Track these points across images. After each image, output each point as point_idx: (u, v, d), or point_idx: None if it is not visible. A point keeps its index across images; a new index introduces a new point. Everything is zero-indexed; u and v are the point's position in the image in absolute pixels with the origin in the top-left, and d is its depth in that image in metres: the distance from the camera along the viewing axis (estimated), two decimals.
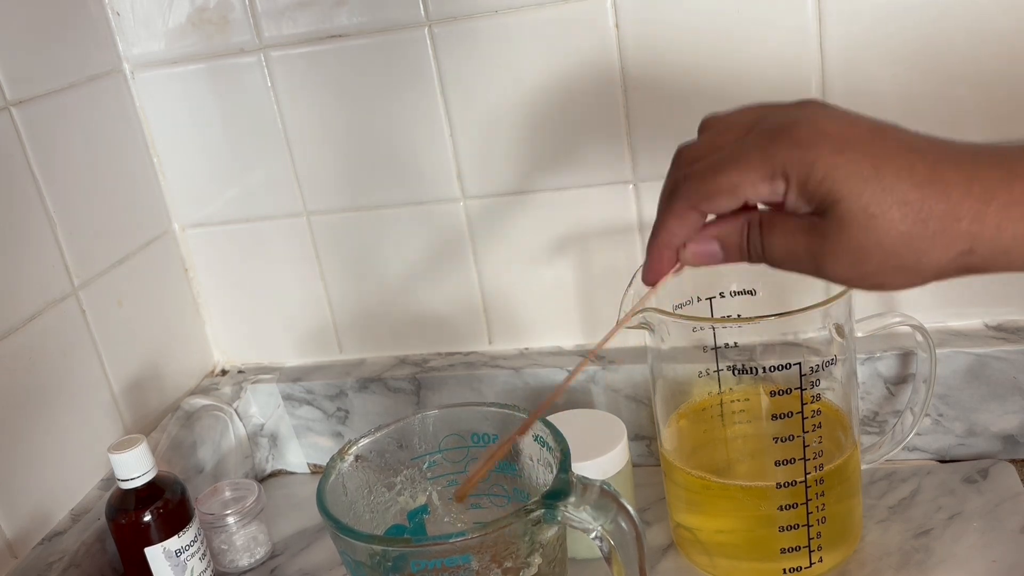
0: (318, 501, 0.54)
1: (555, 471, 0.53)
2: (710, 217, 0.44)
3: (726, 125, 0.44)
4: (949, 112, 0.70)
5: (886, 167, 0.38)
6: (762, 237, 0.42)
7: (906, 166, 0.38)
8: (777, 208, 0.42)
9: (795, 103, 0.42)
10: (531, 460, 0.57)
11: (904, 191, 0.37)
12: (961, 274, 0.39)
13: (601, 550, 0.51)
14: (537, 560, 0.52)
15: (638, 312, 0.48)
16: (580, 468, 0.57)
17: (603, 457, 0.68)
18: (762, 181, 0.40)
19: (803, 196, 0.39)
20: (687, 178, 0.42)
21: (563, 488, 0.51)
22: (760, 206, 0.43)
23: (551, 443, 0.55)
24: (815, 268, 0.40)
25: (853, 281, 0.40)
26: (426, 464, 0.61)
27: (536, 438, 0.56)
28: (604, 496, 0.50)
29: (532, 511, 0.50)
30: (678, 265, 0.44)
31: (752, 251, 0.42)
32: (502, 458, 0.52)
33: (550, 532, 0.52)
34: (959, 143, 0.39)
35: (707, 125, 0.45)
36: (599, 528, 0.50)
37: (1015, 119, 0.69)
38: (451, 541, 0.49)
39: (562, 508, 0.50)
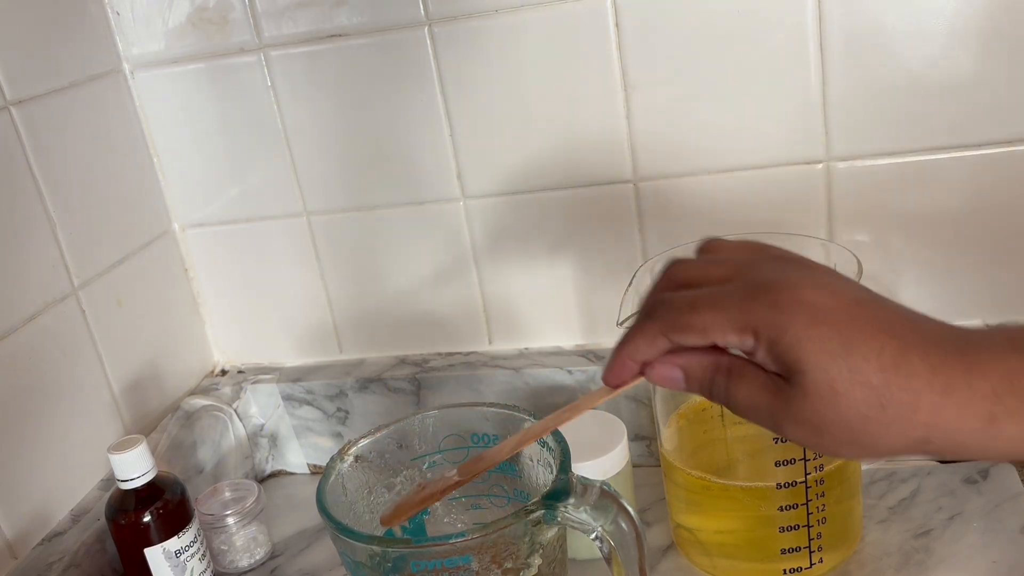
0: (318, 502, 0.54)
1: (555, 472, 0.53)
2: None
3: (722, 257, 0.45)
4: (954, 111, 0.70)
5: (856, 347, 0.38)
6: (728, 383, 0.42)
7: (875, 348, 0.38)
8: (748, 355, 0.42)
9: (792, 258, 0.44)
10: (531, 460, 0.57)
11: (869, 374, 0.38)
12: (917, 455, 0.40)
13: (601, 551, 0.51)
14: (537, 561, 0.52)
15: (588, 408, 0.48)
16: (580, 468, 0.57)
17: (603, 457, 0.68)
18: (732, 331, 0.40)
19: (770, 356, 0.40)
20: (665, 305, 0.43)
21: (563, 489, 0.51)
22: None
23: (551, 443, 0.55)
24: (774, 427, 0.41)
25: (809, 444, 0.41)
26: (426, 464, 0.61)
27: None
28: (604, 497, 0.50)
29: (532, 512, 0.50)
30: (639, 378, 0.45)
31: (715, 392, 0.43)
32: (440, 497, 0.52)
33: (550, 533, 0.52)
34: (934, 324, 0.40)
35: (706, 248, 0.46)
36: (599, 529, 0.50)
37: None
38: (451, 542, 0.49)
39: (562, 509, 0.50)
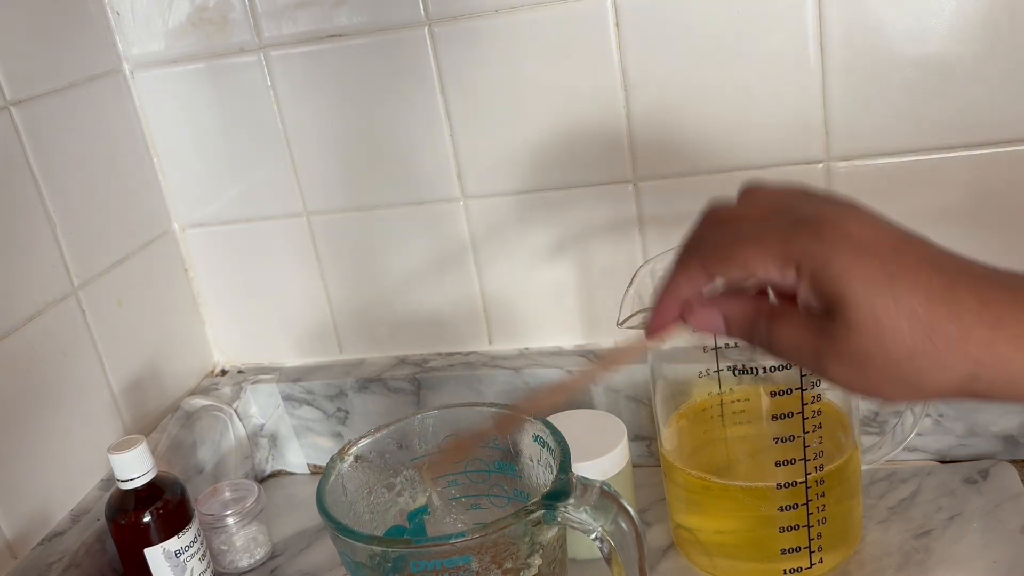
0: (318, 502, 0.54)
1: (555, 472, 0.53)
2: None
3: (761, 199, 0.44)
4: (954, 111, 0.70)
5: (902, 279, 0.38)
6: (769, 326, 0.42)
7: (923, 281, 0.37)
8: (788, 302, 0.42)
9: (833, 198, 0.42)
10: (531, 461, 0.57)
11: (915, 305, 0.37)
12: (963, 397, 0.39)
13: (601, 551, 0.51)
14: (537, 561, 0.52)
15: (626, 361, 0.48)
16: (580, 468, 0.57)
17: (603, 457, 0.68)
18: (774, 263, 0.40)
19: (813, 290, 0.39)
20: (705, 240, 0.43)
21: (563, 489, 0.51)
22: (772, 298, 0.43)
23: (551, 443, 0.55)
24: (817, 367, 0.40)
25: (853, 385, 0.40)
26: (426, 465, 0.61)
27: (536, 438, 0.56)
28: (604, 497, 0.50)
29: (532, 512, 0.50)
30: (680, 323, 0.44)
31: (756, 337, 0.42)
32: (477, 444, 0.51)
33: (550, 533, 0.52)
34: (980, 265, 0.39)
35: (745, 193, 0.45)
36: (599, 529, 0.50)
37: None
38: (451, 542, 0.49)
39: (562, 509, 0.50)
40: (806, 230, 0.40)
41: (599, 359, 0.48)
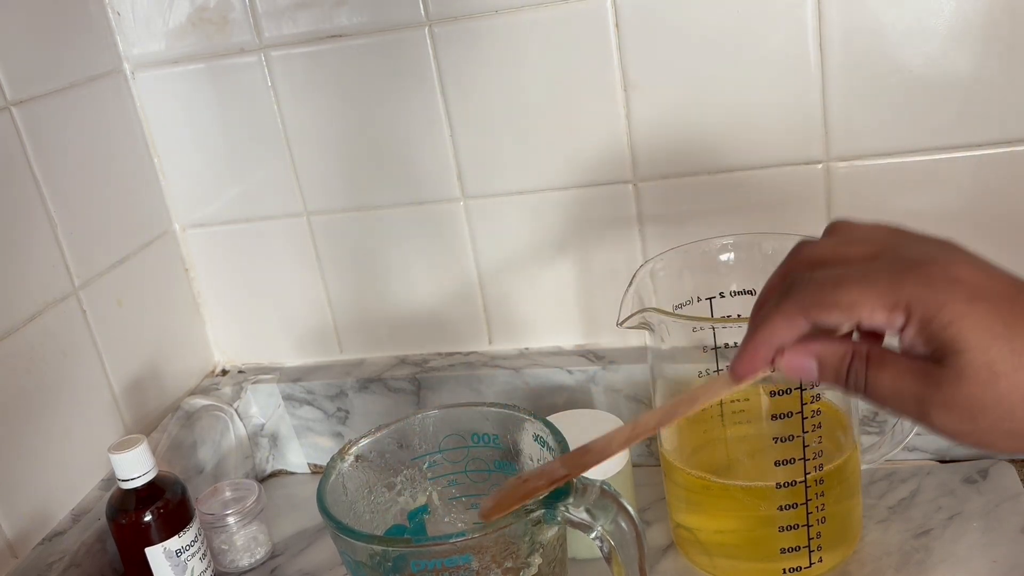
0: (318, 501, 0.54)
1: None
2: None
3: (856, 237, 0.42)
4: (954, 111, 0.70)
5: (1019, 327, 0.37)
6: (867, 371, 0.40)
7: None
8: (875, 340, 0.40)
9: (935, 239, 0.41)
10: (531, 460, 0.57)
11: None
12: None
13: (601, 550, 0.51)
14: (537, 560, 0.52)
15: (708, 401, 0.45)
16: None
17: None
18: (883, 308, 0.38)
19: (922, 336, 0.38)
20: (805, 283, 0.41)
21: (563, 488, 0.51)
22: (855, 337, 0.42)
23: (551, 443, 0.55)
24: (920, 415, 0.39)
25: (960, 436, 0.39)
26: (426, 464, 0.61)
27: (536, 438, 0.57)
28: (604, 496, 0.50)
29: (532, 511, 0.50)
30: (771, 368, 0.43)
31: (852, 382, 0.41)
32: (545, 492, 0.49)
33: (550, 532, 0.52)
34: None
35: (835, 229, 0.44)
36: (599, 528, 0.50)
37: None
38: (451, 541, 0.49)
39: (562, 508, 0.50)
40: (915, 273, 0.38)
41: (681, 401, 0.45)
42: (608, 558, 0.51)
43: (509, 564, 0.51)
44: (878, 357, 0.40)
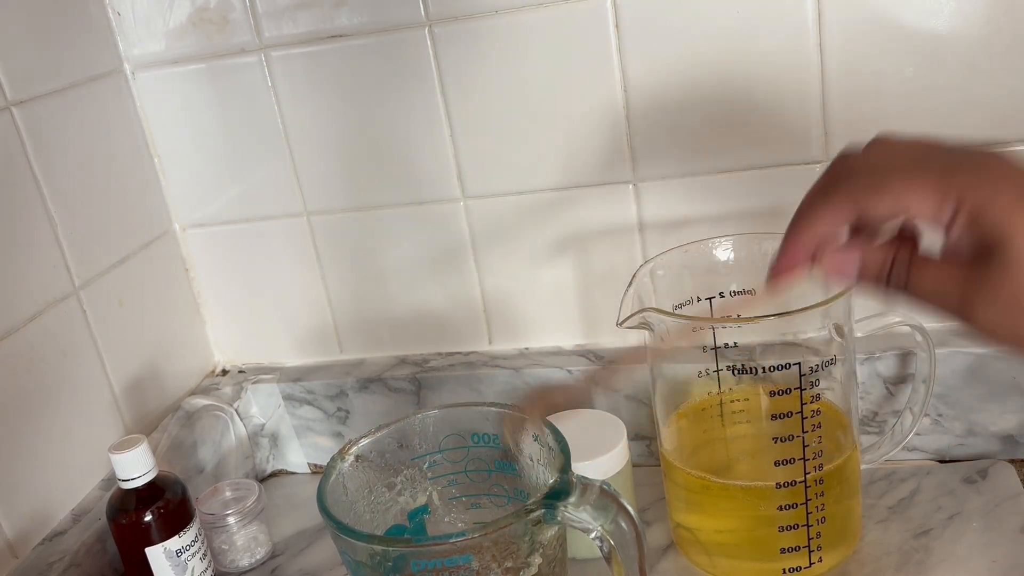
0: (318, 501, 0.54)
1: (555, 471, 0.53)
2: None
3: (900, 147, 0.42)
4: (954, 108, 0.70)
5: None
6: (910, 268, 0.40)
7: None
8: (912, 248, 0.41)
9: (979, 149, 0.41)
10: (531, 460, 0.57)
11: None
12: None
13: (601, 550, 0.51)
14: (537, 560, 0.52)
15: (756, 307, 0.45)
16: (580, 468, 0.57)
17: (603, 457, 0.68)
18: (932, 197, 0.38)
19: (970, 227, 0.38)
20: (855, 172, 0.40)
21: (563, 488, 0.51)
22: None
23: (551, 443, 0.55)
24: (962, 310, 0.39)
25: (1001, 331, 0.39)
26: (426, 464, 0.61)
27: (536, 438, 0.57)
28: (604, 496, 0.50)
29: (532, 511, 0.50)
30: (810, 266, 0.41)
31: (893, 279, 0.41)
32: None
33: (550, 532, 0.52)
34: None
35: (878, 141, 0.43)
36: (599, 528, 0.50)
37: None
38: (451, 541, 0.49)
39: (562, 508, 0.50)
40: (967, 167, 0.38)
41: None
42: (608, 558, 0.51)
43: (509, 564, 0.51)
44: (921, 258, 0.40)
